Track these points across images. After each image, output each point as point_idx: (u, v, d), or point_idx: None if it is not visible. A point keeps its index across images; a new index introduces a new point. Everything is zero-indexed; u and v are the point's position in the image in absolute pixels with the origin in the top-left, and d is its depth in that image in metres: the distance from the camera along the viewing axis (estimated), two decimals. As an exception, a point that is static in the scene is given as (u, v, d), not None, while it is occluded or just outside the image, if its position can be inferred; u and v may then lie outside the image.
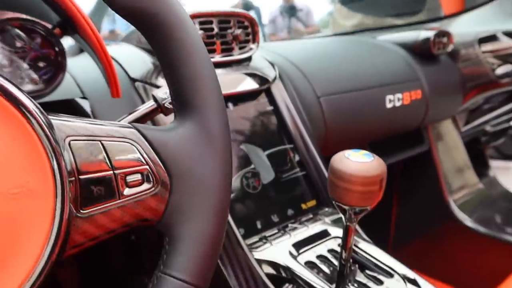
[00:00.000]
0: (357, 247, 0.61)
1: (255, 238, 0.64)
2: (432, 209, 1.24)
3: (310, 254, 0.60)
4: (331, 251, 0.61)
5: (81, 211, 0.29)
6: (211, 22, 0.72)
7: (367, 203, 0.46)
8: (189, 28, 0.34)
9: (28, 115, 0.27)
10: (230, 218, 0.60)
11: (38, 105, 0.28)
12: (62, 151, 0.28)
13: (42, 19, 0.53)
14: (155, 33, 0.33)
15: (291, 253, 0.60)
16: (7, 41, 0.51)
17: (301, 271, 0.57)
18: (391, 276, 0.56)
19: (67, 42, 0.65)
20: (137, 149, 0.32)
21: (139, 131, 0.33)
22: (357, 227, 0.66)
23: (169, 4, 0.33)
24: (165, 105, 0.43)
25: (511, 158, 2.05)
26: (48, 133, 0.27)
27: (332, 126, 0.86)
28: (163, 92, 0.43)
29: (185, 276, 0.32)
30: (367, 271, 0.57)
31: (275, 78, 0.78)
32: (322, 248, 0.61)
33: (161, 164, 0.32)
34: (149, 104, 0.43)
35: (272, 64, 0.81)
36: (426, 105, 1.06)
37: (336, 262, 0.58)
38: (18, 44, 0.52)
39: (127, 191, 0.31)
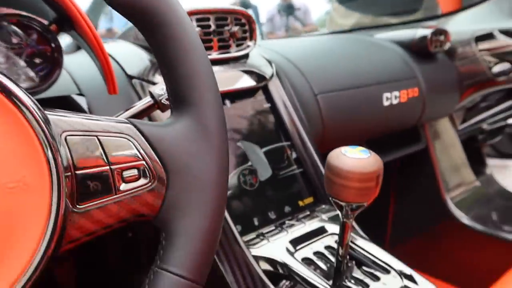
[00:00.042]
0: (354, 243, 0.61)
1: (252, 235, 0.64)
2: (429, 207, 1.24)
3: (307, 250, 0.60)
4: (328, 247, 0.61)
5: (77, 206, 0.29)
6: (208, 19, 0.72)
7: (363, 199, 0.46)
8: (187, 27, 0.34)
9: (25, 110, 0.27)
10: (227, 215, 0.60)
11: (35, 101, 0.28)
12: (58, 146, 0.28)
13: (38, 15, 0.53)
14: (154, 32, 0.33)
15: (288, 250, 0.60)
16: (3, 38, 0.51)
17: (298, 267, 0.57)
18: (388, 272, 0.57)
19: (64, 40, 0.65)
20: (133, 144, 0.32)
21: (135, 126, 0.33)
22: (354, 224, 0.66)
23: (169, 3, 0.33)
24: (162, 101, 0.43)
25: (508, 156, 2.06)
26: (45, 128, 0.27)
27: (329, 124, 0.87)
28: (159, 88, 0.43)
29: (182, 271, 0.32)
30: (364, 268, 0.58)
31: (272, 76, 0.78)
32: (319, 244, 0.62)
33: (157, 160, 0.32)
34: (146, 100, 0.43)
35: (269, 62, 0.81)
36: (423, 103, 1.06)
37: (333, 259, 0.59)
38: (14, 40, 0.52)
39: (123, 186, 0.31)
